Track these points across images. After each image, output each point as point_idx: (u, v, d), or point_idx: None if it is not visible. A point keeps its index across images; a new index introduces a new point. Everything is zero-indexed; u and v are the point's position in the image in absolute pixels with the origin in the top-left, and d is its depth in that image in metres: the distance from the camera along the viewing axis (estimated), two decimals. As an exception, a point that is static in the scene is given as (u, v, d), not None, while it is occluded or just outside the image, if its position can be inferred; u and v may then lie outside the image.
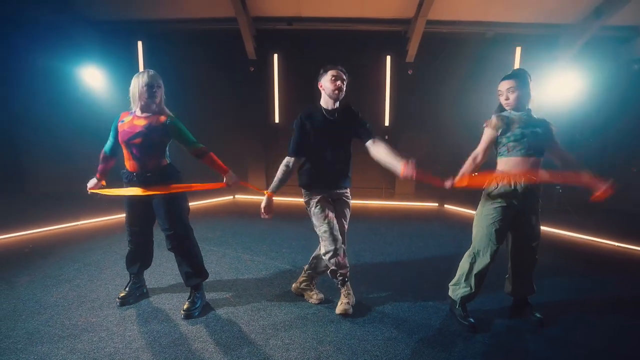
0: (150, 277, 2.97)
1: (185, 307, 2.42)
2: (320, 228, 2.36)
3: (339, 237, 2.38)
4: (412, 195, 6.43)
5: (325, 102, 2.43)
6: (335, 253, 2.34)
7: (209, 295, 2.67)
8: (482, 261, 2.27)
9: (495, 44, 5.95)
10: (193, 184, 2.39)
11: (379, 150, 2.37)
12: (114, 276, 3.00)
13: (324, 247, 2.37)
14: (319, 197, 2.40)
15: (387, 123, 6.37)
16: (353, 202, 2.62)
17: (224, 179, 2.42)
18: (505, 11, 5.57)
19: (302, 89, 6.09)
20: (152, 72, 2.30)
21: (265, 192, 2.44)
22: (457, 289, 2.39)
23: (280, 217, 5.12)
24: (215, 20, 5.95)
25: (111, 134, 2.44)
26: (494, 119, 2.25)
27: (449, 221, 5.19)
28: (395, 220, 5.17)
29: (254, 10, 5.78)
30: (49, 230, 4.23)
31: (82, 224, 4.50)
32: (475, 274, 2.30)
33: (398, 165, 2.21)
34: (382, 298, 2.73)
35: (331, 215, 2.39)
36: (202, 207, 5.70)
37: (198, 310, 2.44)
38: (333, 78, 2.34)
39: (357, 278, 2.99)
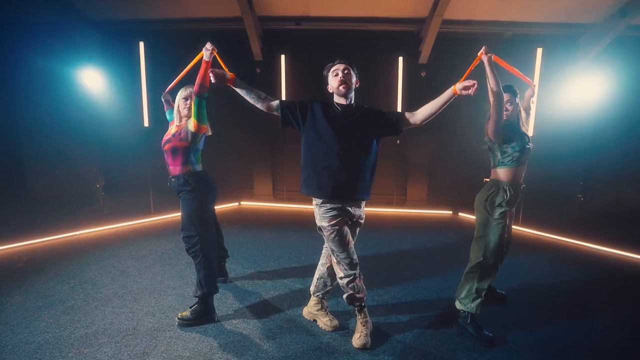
0: (150, 298, 2.76)
1: (181, 314, 2.42)
2: (340, 255, 2.16)
3: (357, 261, 2.21)
4: (424, 203, 6.17)
5: (337, 100, 2.21)
6: (354, 277, 2.17)
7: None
8: (494, 270, 2.35)
9: (515, 44, 5.65)
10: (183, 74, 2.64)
11: (424, 109, 2.19)
12: (111, 296, 2.79)
13: (342, 271, 2.18)
14: (337, 220, 2.12)
15: (398, 126, 6.12)
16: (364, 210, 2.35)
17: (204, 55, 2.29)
18: (525, 10, 5.29)
19: (310, 92, 5.80)
20: (190, 88, 2.47)
21: (231, 74, 2.31)
22: (471, 301, 2.34)
23: (288, 227, 4.90)
24: (219, 19, 5.73)
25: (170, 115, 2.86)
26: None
27: (464, 232, 4.90)
28: (408, 229, 4.91)
29: (261, 9, 5.55)
30: (46, 241, 4.02)
31: (80, 234, 4.28)
32: (488, 284, 2.36)
33: (447, 94, 2.21)
34: (402, 324, 2.49)
35: (351, 240, 2.20)
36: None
37: (193, 323, 2.39)
38: (334, 74, 2.17)
39: (373, 299, 2.78)
